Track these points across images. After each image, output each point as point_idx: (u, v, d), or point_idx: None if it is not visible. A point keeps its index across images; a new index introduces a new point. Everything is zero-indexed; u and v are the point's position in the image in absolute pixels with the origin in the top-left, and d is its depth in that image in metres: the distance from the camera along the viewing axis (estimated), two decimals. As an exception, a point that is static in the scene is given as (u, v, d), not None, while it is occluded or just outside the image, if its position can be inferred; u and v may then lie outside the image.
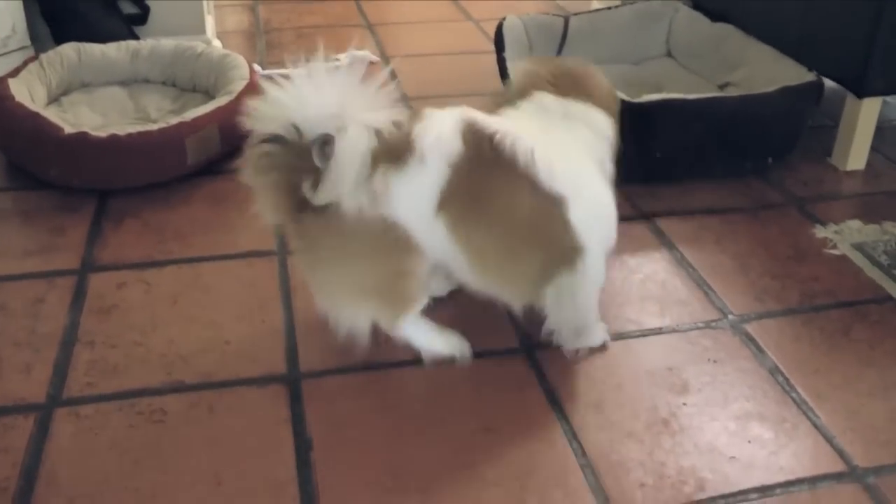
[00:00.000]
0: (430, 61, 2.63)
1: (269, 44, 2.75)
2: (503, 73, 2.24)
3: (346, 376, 1.34)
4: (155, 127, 1.80)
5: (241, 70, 2.06)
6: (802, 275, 1.60)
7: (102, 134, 1.76)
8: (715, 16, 2.42)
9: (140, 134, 1.78)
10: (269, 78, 1.20)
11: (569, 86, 1.34)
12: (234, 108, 1.91)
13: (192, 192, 1.84)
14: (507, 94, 1.39)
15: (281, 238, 1.67)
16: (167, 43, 2.25)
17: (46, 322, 1.45)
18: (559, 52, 2.41)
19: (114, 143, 1.76)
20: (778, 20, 2.22)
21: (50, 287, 1.54)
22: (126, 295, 1.53)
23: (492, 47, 2.48)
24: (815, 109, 2.00)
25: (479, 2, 3.27)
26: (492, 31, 2.70)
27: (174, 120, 1.83)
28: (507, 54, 2.27)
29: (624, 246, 1.66)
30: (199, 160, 1.86)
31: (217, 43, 2.67)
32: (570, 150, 1.27)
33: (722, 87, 2.24)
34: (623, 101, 1.78)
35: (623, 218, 1.80)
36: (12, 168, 1.93)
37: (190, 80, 2.21)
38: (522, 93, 1.34)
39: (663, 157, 1.87)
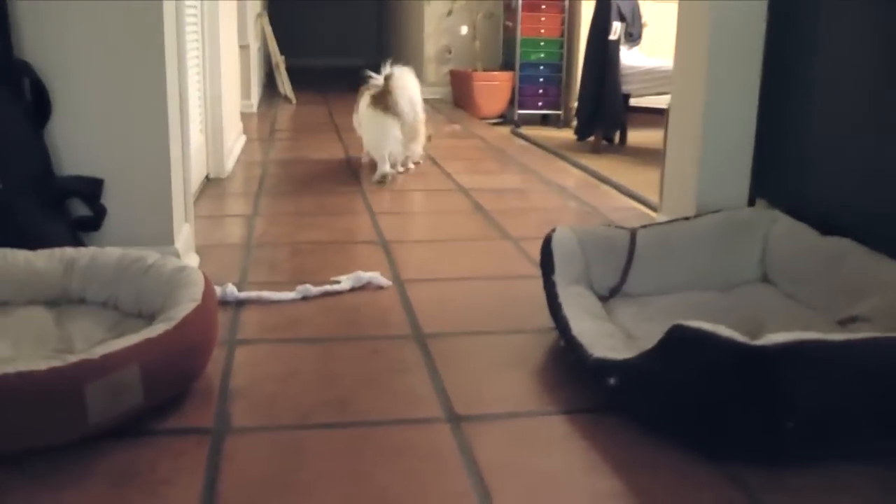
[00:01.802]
0: (455, 288, 2.08)
1: (256, 261, 2.23)
2: (553, 302, 1.67)
3: None
4: (43, 366, 1.23)
5: (193, 289, 1.51)
6: None
7: (-40, 377, 1.18)
8: (826, 227, 1.86)
9: (18, 376, 1.20)
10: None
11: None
12: (169, 341, 1.35)
13: (90, 465, 1.24)
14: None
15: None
16: (111, 252, 1.73)
17: None
18: (625, 274, 1.85)
19: (-24, 391, 1.18)
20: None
21: None
22: None
23: (534, 270, 1.95)
24: None
25: (517, 219, 2.77)
26: (534, 253, 2.18)
27: (74, 357, 1.25)
28: (558, 277, 1.72)
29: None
30: (106, 417, 1.27)
31: (194, 258, 2.16)
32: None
33: (843, 323, 1.65)
34: (734, 344, 1.20)
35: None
36: None
37: (135, 302, 1.67)
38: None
39: (797, 429, 1.24)
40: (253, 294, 1.90)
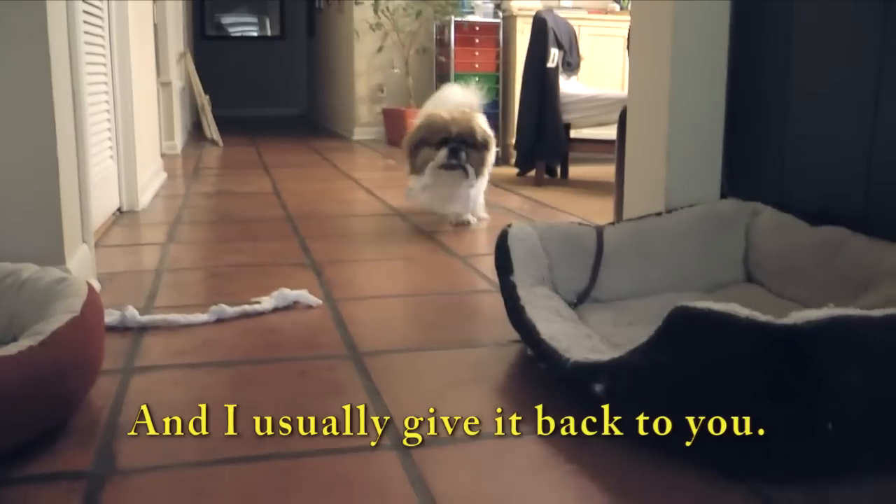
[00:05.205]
0: (397, 304, 1.80)
1: (166, 285, 1.92)
2: (514, 305, 1.40)
3: None
4: None
5: (71, 301, 1.21)
6: None
7: None
8: (815, 217, 1.64)
9: None
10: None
11: None
12: (30, 362, 1.04)
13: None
14: None
15: None
16: (-24, 269, 1.42)
17: None
18: (594, 276, 1.60)
19: None
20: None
21: None
22: None
23: (489, 285, 1.71)
24: None
25: (463, 238, 2.51)
26: (486, 268, 1.94)
27: None
28: (518, 277, 1.45)
29: None
30: (-59, 460, 0.96)
31: (93, 285, 1.85)
32: None
33: (849, 320, 1.41)
34: (756, 325, 0.95)
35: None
36: None
37: (8, 327, 1.36)
38: None
39: (838, 430, 0.98)
40: (157, 317, 1.60)
